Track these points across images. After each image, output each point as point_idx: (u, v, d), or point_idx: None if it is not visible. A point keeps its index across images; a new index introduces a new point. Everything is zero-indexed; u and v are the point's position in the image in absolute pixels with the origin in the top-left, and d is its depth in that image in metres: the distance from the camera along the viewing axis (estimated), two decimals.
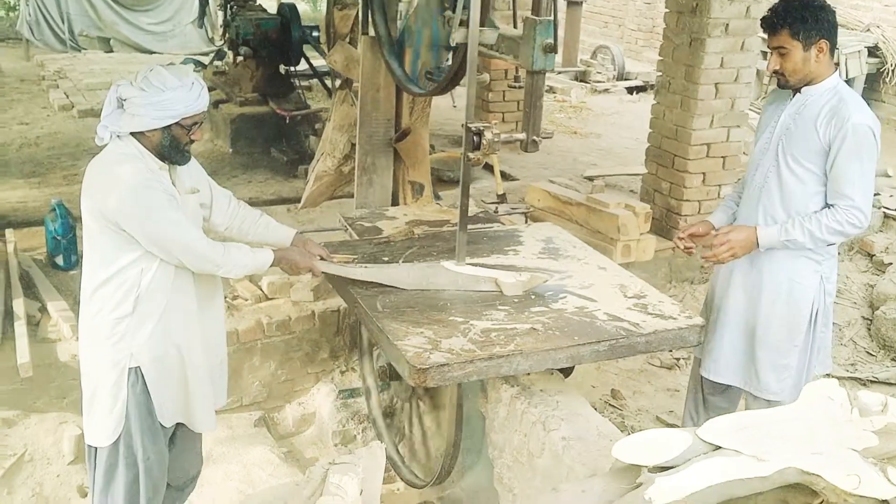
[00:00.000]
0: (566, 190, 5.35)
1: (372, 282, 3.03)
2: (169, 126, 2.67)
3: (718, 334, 3.34)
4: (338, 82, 5.28)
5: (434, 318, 2.79)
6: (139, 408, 2.83)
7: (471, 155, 2.84)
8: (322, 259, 3.10)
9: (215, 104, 7.72)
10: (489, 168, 6.09)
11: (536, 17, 2.66)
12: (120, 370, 2.79)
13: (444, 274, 3.08)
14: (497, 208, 4.57)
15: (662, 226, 5.39)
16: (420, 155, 4.09)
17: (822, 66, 3.06)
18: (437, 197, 4.53)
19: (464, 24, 2.88)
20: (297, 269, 3.05)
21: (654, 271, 5.26)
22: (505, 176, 6.68)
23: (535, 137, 2.87)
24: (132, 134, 2.69)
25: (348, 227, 3.80)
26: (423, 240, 3.55)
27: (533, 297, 2.97)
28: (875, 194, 6.09)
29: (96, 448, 2.89)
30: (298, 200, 5.52)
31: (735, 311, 3.30)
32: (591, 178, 6.68)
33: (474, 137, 2.81)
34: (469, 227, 3.57)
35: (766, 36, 3.12)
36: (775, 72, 3.10)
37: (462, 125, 2.90)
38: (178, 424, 2.99)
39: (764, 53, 9.00)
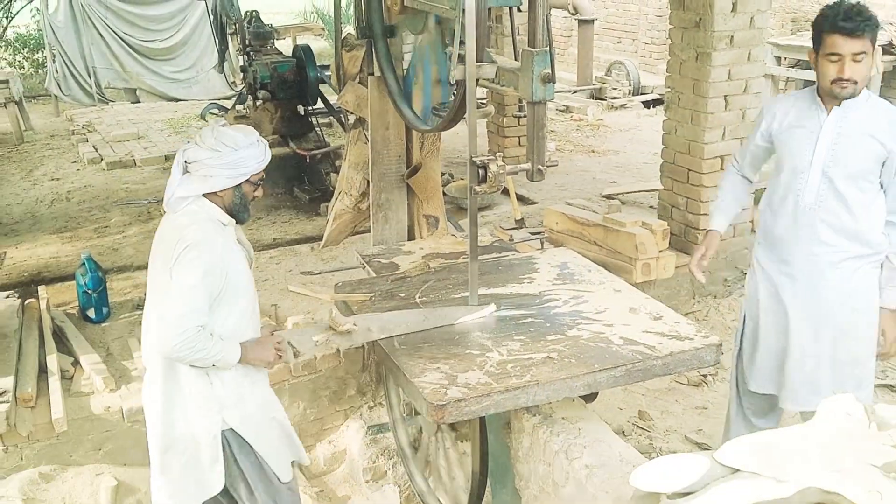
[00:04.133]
0: (583, 211, 5.33)
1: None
2: (240, 184, 2.77)
3: (795, 362, 3.21)
4: (352, 119, 5.33)
5: (450, 352, 2.80)
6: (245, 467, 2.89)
7: (477, 188, 2.84)
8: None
9: None
10: (507, 193, 6.10)
11: (533, 49, 2.67)
12: (213, 436, 2.82)
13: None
14: (512, 235, 4.56)
15: (681, 241, 5.35)
16: (433, 189, 4.11)
17: None
18: (457, 227, 4.54)
19: (462, 60, 2.90)
20: (268, 364, 2.93)
21: (675, 288, 5.21)
22: (523, 199, 6.69)
23: (539, 167, 2.85)
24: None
25: (366, 264, 3.82)
26: (439, 273, 3.57)
27: (548, 325, 2.97)
28: None
29: None
30: (321, 238, 5.57)
31: (803, 334, 3.18)
32: (609, 197, 6.66)
33: (479, 171, 2.81)
34: (483, 256, 3.60)
35: (833, 40, 2.88)
36: (844, 80, 2.91)
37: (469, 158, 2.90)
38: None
39: (777, 59, 8.95)
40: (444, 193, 5.83)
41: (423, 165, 4.08)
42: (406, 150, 4.13)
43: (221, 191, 2.76)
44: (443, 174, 6.56)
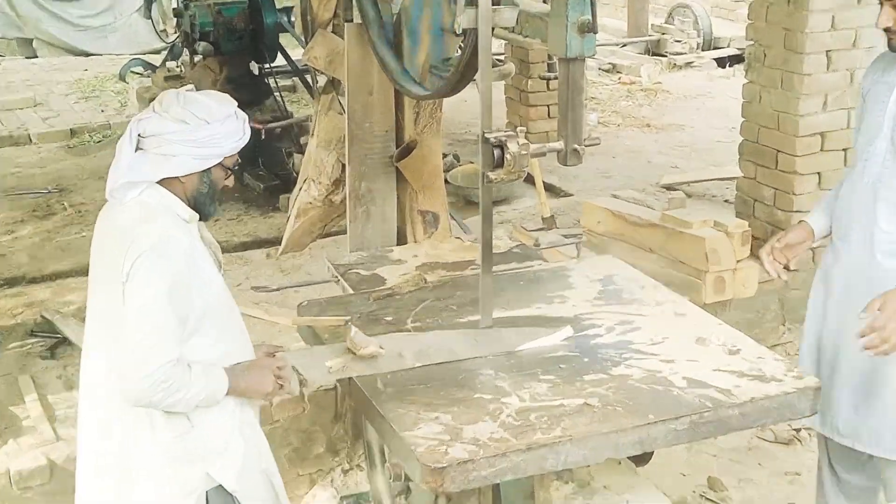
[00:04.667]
0: (634, 206, 5.33)
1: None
2: (209, 168, 2.80)
3: (832, 372, 3.38)
4: (323, 81, 5.35)
5: (453, 396, 2.79)
6: None
7: (491, 175, 2.84)
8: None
9: None
10: (532, 181, 6.10)
11: None
12: (196, 498, 2.81)
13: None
14: (538, 239, 4.57)
15: None
16: (431, 175, 4.12)
17: None
18: (463, 228, 4.55)
19: (472, 1, 2.90)
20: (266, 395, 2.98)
21: (759, 311, 5.21)
22: (553, 191, 6.69)
23: (576, 146, 2.86)
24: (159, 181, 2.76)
25: (340, 277, 3.82)
26: (439, 289, 3.58)
27: (586, 360, 2.97)
28: None
29: None
30: (280, 242, 5.58)
31: (845, 339, 3.30)
32: (670, 188, 6.67)
33: (494, 151, 2.81)
34: (499, 267, 3.59)
35: None
36: (887, 30, 3.15)
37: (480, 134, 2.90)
38: None
39: None
40: (447, 182, 5.84)
41: (418, 144, 4.09)
42: (395, 124, 4.13)
43: (185, 176, 2.78)
44: (445, 156, 6.56)
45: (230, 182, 2.92)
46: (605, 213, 5.24)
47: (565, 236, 5.35)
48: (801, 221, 3.56)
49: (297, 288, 5.19)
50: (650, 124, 8.73)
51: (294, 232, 4.66)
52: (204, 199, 2.84)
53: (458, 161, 7.28)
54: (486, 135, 2.80)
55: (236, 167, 2.90)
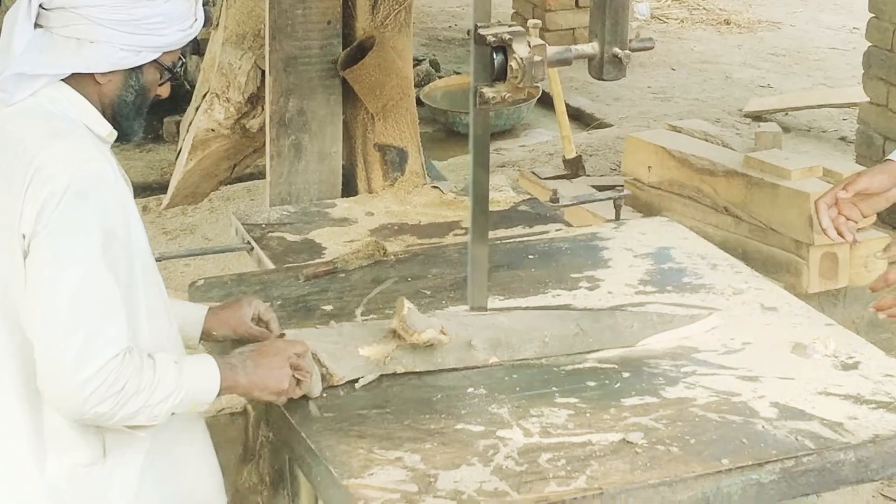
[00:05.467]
0: (705, 145, 5.34)
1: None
2: (142, 66, 2.76)
3: None
4: None
5: (424, 426, 2.81)
6: None
7: (488, 92, 2.86)
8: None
9: None
10: (549, 104, 6.11)
11: None
12: None
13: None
14: (557, 192, 4.56)
15: None
16: (395, 92, 4.12)
17: None
18: (437, 174, 4.55)
19: None
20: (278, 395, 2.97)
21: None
22: (582, 119, 6.71)
23: (617, 51, 2.85)
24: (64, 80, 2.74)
25: (254, 244, 3.85)
26: (406, 264, 3.60)
27: (626, 375, 2.97)
28: None
29: None
30: (164, 189, 5.58)
31: None
32: (757, 117, 6.67)
33: (493, 55, 2.83)
34: (497, 233, 3.65)
35: None
36: None
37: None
38: None
39: None
40: (420, 102, 5.83)
41: (376, 43, 4.08)
42: (342, 11, 4.15)
43: (105, 74, 2.74)
44: (417, 62, 6.56)
45: (164, 91, 2.88)
46: (659, 154, 5.25)
47: (598, 188, 5.35)
48: (885, 160, 3.50)
49: (189, 259, 5.17)
50: (730, 20, 8.75)
51: (187, 174, 4.66)
52: (127, 110, 2.79)
53: (438, 71, 7.28)
54: (481, 30, 2.81)
55: (180, 68, 2.90)
